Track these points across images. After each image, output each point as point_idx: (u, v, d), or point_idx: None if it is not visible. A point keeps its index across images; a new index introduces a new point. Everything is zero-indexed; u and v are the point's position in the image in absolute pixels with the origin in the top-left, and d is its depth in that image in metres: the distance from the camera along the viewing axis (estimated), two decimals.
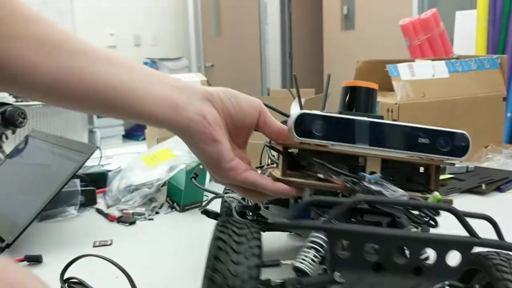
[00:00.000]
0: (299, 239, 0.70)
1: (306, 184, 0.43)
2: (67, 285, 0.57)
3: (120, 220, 0.84)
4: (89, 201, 0.92)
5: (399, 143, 0.43)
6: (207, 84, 1.34)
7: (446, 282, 0.36)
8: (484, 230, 0.38)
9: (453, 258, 0.37)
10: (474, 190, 0.93)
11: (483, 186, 0.93)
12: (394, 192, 0.39)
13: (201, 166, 0.70)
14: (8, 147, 1.02)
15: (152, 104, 0.43)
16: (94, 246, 0.74)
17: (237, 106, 0.46)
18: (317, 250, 0.36)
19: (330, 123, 0.42)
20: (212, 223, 0.69)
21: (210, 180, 0.99)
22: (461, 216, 0.36)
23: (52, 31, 0.42)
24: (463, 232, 0.38)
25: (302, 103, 1.37)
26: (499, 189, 0.95)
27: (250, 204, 0.57)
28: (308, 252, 0.36)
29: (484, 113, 1.18)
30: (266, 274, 0.36)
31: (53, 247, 0.73)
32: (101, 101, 0.43)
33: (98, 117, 1.88)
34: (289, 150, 0.46)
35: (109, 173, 0.99)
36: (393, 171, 0.44)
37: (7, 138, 1.04)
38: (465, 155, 0.44)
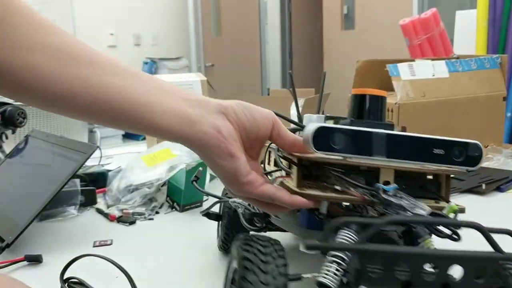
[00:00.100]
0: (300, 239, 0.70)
1: (324, 198, 0.43)
2: (67, 285, 0.57)
3: (120, 220, 0.84)
4: (89, 201, 0.92)
5: (415, 154, 0.43)
6: (207, 84, 1.34)
7: None
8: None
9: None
10: (474, 190, 0.93)
11: (483, 186, 0.93)
12: (414, 205, 0.40)
13: (201, 168, 0.70)
14: (8, 147, 1.02)
15: (166, 118, 0.43)
16: (94, 246, 0.74)
17: (251, 118, 0.45)
18: (338, 264, 0.36)
19: (348, 136, 0.42)
20: (212, 223, 0.69)
21: (210, 180, 0.99)
22: (486, 233, 0.36)
23: (70, 42, 0.42)
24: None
25: (302, 103, 1.37)
26: (499, 189, 0.95)
27: (258, 211, 0.56)
28: (330, 266, 0.36)
29: (484, 113, 1.18)
30: None
31: (53, 247, 0.73)
32: (115, 114, 0.42)
33: None
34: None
35: (109, 173, 0.99)
36: (405, 180, 0.45)
37: (7, 137, 1.04)
38: (478, 165, 0.45)
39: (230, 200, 0.60)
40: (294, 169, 0.45)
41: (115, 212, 0.87)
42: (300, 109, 1.36)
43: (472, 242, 0.39)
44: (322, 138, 0.41)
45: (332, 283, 0.35)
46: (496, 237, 0.36)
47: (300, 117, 0.64)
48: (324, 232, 0.37)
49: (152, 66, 4.00)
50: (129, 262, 0.57)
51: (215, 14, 4.57)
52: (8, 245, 0.69)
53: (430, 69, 1.17)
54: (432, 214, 0.40)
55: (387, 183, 0.43)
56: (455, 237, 0.40)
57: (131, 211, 0.86)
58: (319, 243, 0.35)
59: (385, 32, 3.44)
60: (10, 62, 0.39)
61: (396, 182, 0.43)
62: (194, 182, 0.67)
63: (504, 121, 1.23)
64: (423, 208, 0.40)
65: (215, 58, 4.52)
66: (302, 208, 0.44)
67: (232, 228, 0.64)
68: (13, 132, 1.05)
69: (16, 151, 0.96)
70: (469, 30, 1.89)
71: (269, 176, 0.52)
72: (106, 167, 1.09)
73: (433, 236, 0.42)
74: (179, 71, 3.91)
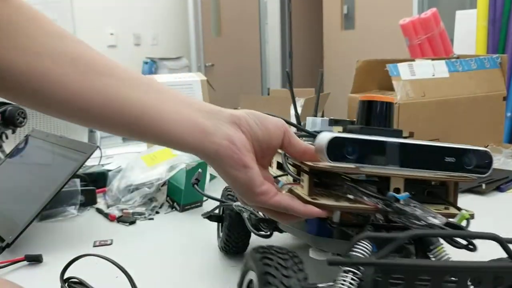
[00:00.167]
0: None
1: (338, 208, 0.43)
2: (67, 285, 0.57)
3: (120, 219, 0.84)
4: (89, 200, 0.92)
5: (428, 163, 0.43)
6: (207, 84, 1.34)
7: None
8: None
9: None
10: (474, 190, 0.93)
11: (483, 186, 0.93)
12: (426, 213, 0.40)
13: (200, 170, 0.70)
14: (8, 147, 1.02)
15: (180, 129, 0.42)
16: (94, 246, 0.74)
17: (263, 128, 0.45)
18: (354, 273, 0.36)
19: (362, 146, 0.42)
20: (212, 223, 0.69)
21: (210, 180, 0.99)
22: (504, 244, 0.36)
23: (84, 50, 0.41)
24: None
25: (302, 103, 1.36)
26: (499, 189, 0.95)
27: (265, 217, 0.56)
28: (346, 277, 0.36)
29: (484, 113, 1.18)
30: None
31: (53, 247, 0.73)
32: (128, 124, 0.42)
33: None
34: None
35: (109, 173, 0.99)
36: (413, 186, 0.45)
37: (7, 137, 1.05)
38: (489, 172, 0.45)
39: (234, 204, 0.60)
40: (305, 177, 0.45)
41: (115, 212, 0.87)
42: (300, 109, 1.37)
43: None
44: (336, 148, 0.41)
45: None
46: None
47: (298, 116, 0.64)
48: (348, 247, 0.36)
49: (152, 66, 4.00)
50: (129, 262, 0.57)
51: (215, 14, 4.57)
52: (8, 245, 0.69)
53: (430, 69, 1.17)
54: (447, 224, 0.40)
55: (397, 190, 0.43)
56: (471, 247, 0.40)
57: (131, 211, 0.86)
58: (343, 259, 0.35)
59: (385, 32, 3.45)
60: (13, 64, 0.38)
61: (404, 188, 0.44)
62: (195, 185, 0.66)
63: (504, 121, 1.23)
64: (436, 217, 0.40)
65: (215, 58, 4.52)
66: (315, 217, 0.44)
67: (234, 230, 0.64)
68: (13, 132, 1.06)
69: (16, 151, 0.96)
70: (469, 30, 1.90)
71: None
72: (106, 167, 1.09)
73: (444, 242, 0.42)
74: (179, 71, 3.91)
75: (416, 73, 1.15)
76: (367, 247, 0.38)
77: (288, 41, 4.95)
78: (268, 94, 3.49)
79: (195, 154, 0.44)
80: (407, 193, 0.42)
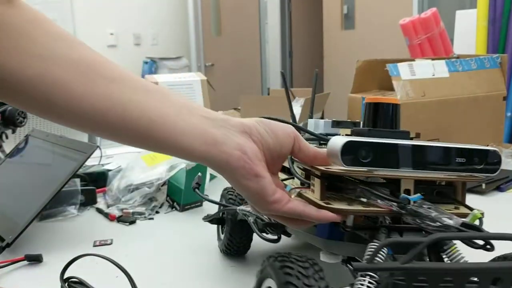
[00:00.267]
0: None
1: (352, 212, 0.43)
2: (67, 285, 0.57)
3: (120, 219, 0.84)
4: (89, 200, 0.92)
5: (439, 163, 0.44)
6: (207, 84, 1.34)
7: None
8: None
9: None
10: (474, 190, 0.93)
11: (483, 186, 0.93)
12: (441, 214, 0.40)
13: (200, 174, 0.70)
14: (8, 147, 1.02)
15: (190, 138, 0.41)
16: (94, 246, 0.74)
17: (273, 136, 0.44)
18: (371, 276, 0.36)
19: (375, 149, 0.42)
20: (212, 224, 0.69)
21: (210, 180, 0.99)
22: None
23: (90, 55, 0.40)
24: None
25: (302, 103, 1.36)
26: (499, 189, 0.95)
27: (272, 221, 0.55)
28: (364, 281, 0.36)
29: (484, 113, 1.18)
30: None
31: (53, 247, 0.73)
32: (134, 132, 0.41)
33: None
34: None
35: (109, 173, 0.99)
36: (422, 186, 0.45)
37: (7, 137, 1.05)
38: (497, 172, 0.45)
39: (238, 208, 0.60)
40: (316, 182, 0.45)
41: (115, 211, 0.87)
42: (300, 109, 1.36)
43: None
44: (351, 152, 0.41)
45: None
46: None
47: (294, 116, 0.64)
48: (371, 254, 0.36)
49: (152, 65, 4.00)
50: (129, 262, 0.57)
51: (215, 14, 4.57)
52: (8, 245, 0.69)
53: (430, 69, 1.17)
54: (463, 224, 0.40)
55: (407, 191, 0.43)
56: (489, 247, 0.40)
57: (131, 210, 0.86)
58: (368, 265, 0.35)
59: (385, 32, 3.45)
60: (14, 67, 0.37)
61: (414, 190, 0.44)
62: (196, 189, 0.66)
63: (504, 120, 1.23)
64: (451, 218, 0.40)
65: (215, 58, 4.52)
66: (329, 221, 0.44)
67: (236, 234, 0.64)
68: (13, 131, 1.06)
69: (16, 150, 0.96)
70: (469, 30, 1.89)
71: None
72: (106, 167, 1.09)
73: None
74: (179, 70, 3.91)
75: (416, 73, 1.15)
76: (383, 250, 0.38)
77: (288, 40, 4.95)
78: (268, 94, 3.49)
79: (205, 164, 0.43)
80: (419, 195, 0.42)
